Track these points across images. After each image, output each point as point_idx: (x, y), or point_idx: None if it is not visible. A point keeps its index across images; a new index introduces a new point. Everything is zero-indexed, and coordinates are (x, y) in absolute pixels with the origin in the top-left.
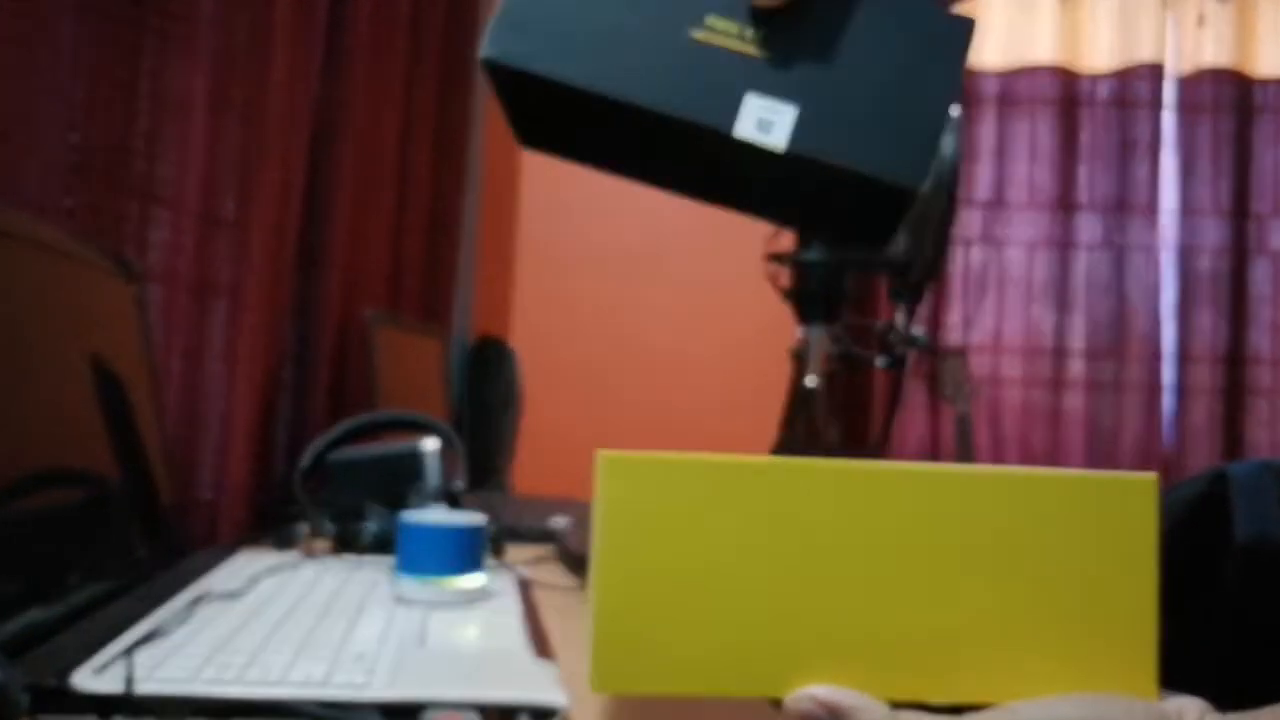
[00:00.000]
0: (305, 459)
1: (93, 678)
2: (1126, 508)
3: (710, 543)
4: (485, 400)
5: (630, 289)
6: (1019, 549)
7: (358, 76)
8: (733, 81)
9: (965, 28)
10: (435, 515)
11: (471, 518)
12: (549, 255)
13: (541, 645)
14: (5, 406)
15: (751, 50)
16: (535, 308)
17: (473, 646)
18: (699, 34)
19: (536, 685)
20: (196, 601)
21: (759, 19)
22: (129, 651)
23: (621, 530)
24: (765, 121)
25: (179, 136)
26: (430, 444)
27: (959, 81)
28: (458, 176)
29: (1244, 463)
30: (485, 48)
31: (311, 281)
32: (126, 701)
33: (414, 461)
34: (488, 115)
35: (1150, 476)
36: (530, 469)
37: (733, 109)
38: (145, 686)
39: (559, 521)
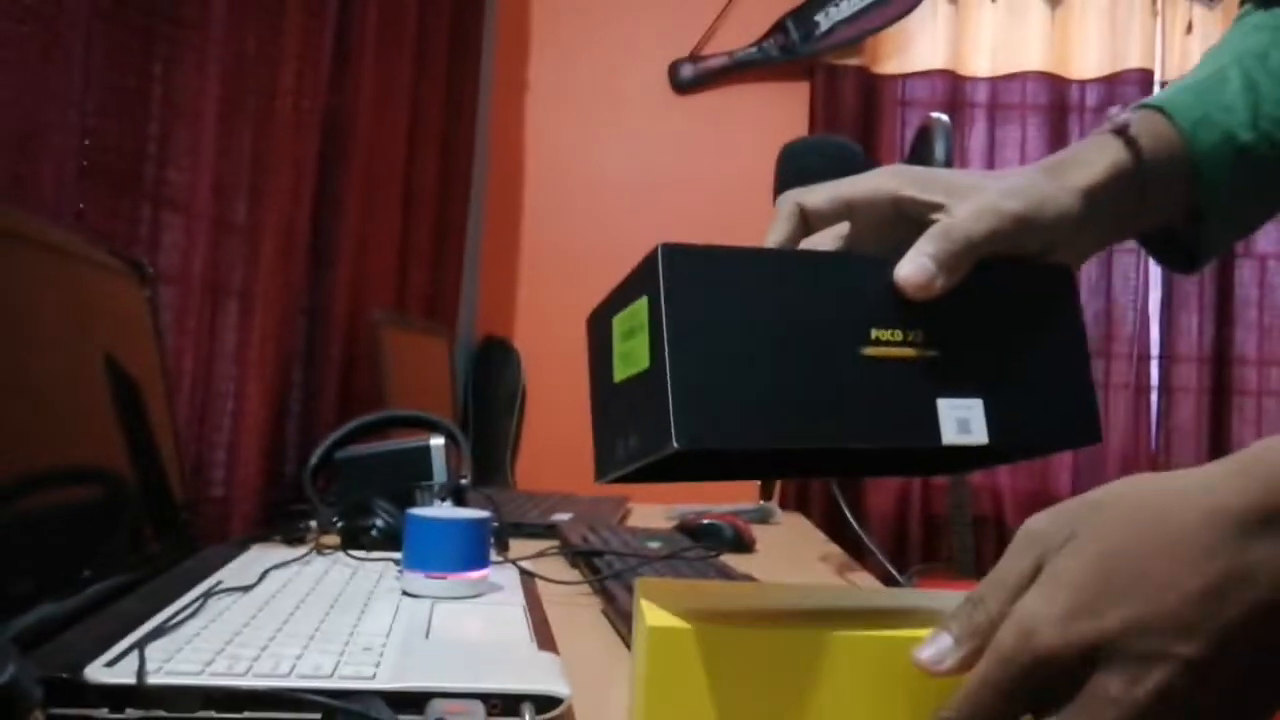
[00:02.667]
0: (314, 456)
1: (105, 670)
2: None
3: (748, 699)
4: (490, 399)
5: None
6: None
7: (366, 82)
8: (921, 390)
9: (1063, 276)
10: (441, 511)
11: (476, 513)
12: (553, 257)
13: (544, 637)
14: (19, 405)
15: (920, 352)
16: (539, 309)
17: (477, 638)
18: (870, 350)
19: (539, 676)
20: (207, 596)
21: (916, 317)
22: (141, 644)
23: (667, 691)
24: (963, 421)
25: (191, 141)
26: (436, 441)
27: (1083, 331)
28: (463, 179)
29: None
30: (677, 438)
31: (321, 283)
32: (138, 693)
33: (420, 458)
34: (492, 118)
35: None
36: (534, 466)
37: (932, 421)
38: (157, 678)
39: (561, 516)
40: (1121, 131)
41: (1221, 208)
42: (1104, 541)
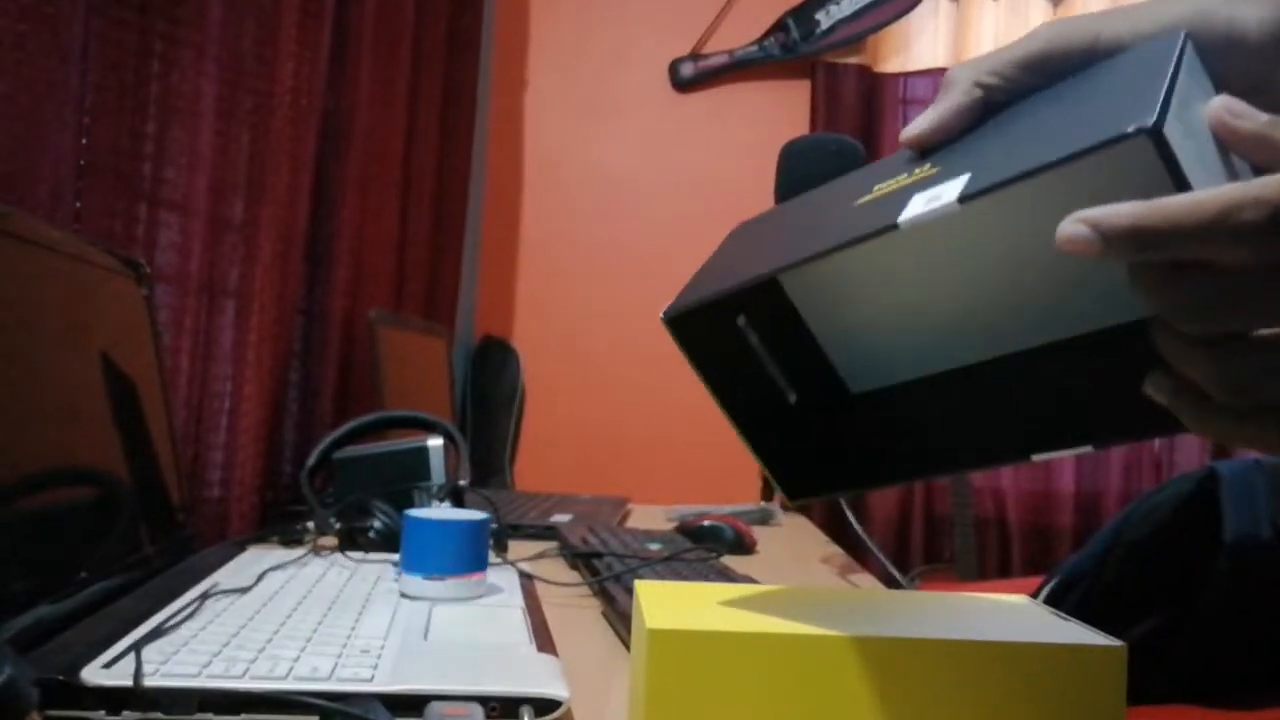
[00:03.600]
0: (312, 457)
1: (102, 672)
2: (1095, 676)
3: (750, 705)
4: (488, 399)
5: (632, 289)
6: (1009, 711)
7: (363, 81)
8: (902, 201)
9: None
10: (439, 512)
11: (475, 514)
12: (551, 256)
13: (543, 639)
14: (15, 405)
15: (917, 178)
16: (538, 308)
17: (476, 641)
18: (865, 199)
19: (539, 678)
20: (204, 597)
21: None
22: (137, 646)
23: (670, 697)
24: (933, 196)
25: (188, 140)
26: (435, 442)
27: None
28: (461, 178)
29: (1234, 461)
30: (668, 311)
31: (318, 282)
32: (135, 695)
33: (419, 459)
34: (491, 116)
35: (1118, 646)
36: (532, 466)
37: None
38: (153, 680)
39: (560, 518)
40: None
41: None
42: None
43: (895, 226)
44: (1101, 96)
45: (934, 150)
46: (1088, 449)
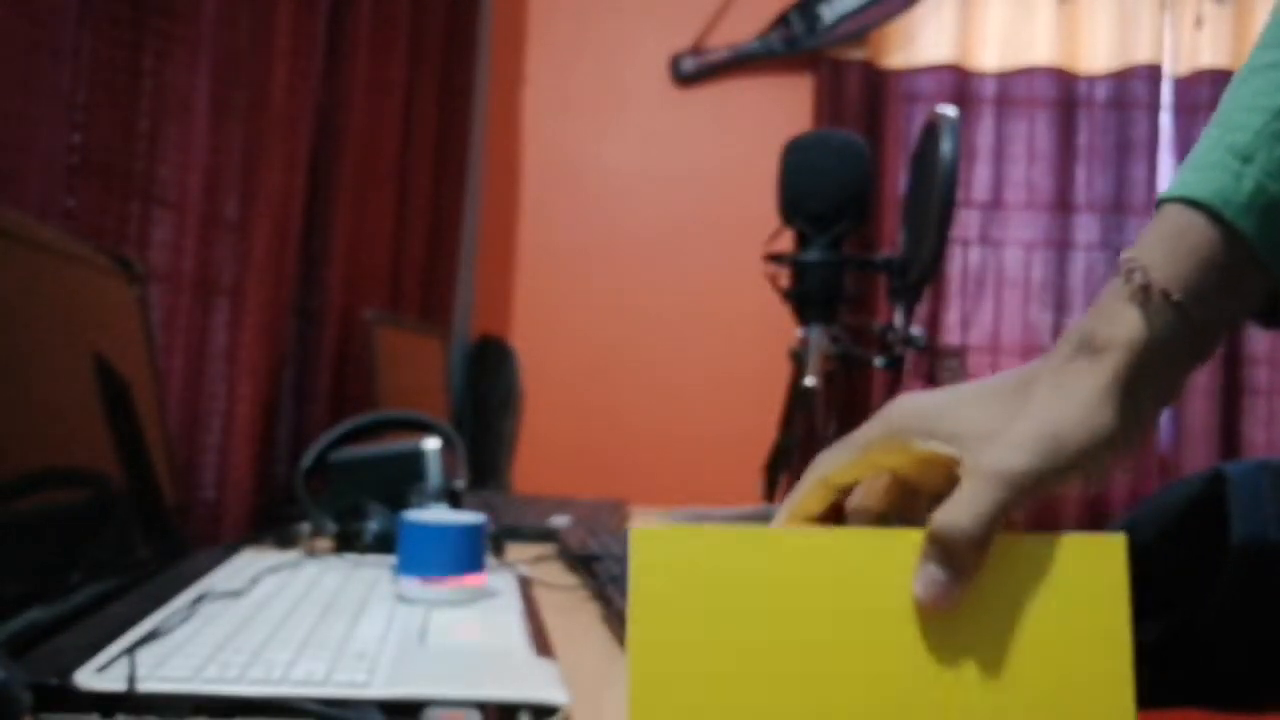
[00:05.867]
0: (307, 458)
1: (95, 676)
2: (1097, 568)
3: (735, 605)
4: (486, 400)
5: (630, 289)
6: (1000, 606)
7: (358, 78)
8: None
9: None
10: (436, 514)
11: (472, 517)
12: (550, 255)
13: (542, 644)
14: (7, 406)
15: None
16: (536, 308)
17: (473, 645)
18: None
19: (537, 683)
20: (198, 600)
21: None
22: (131, 650)
23: (654, 599)
24: None
25: (181, 138)
26: (431, 443)
27: None
28: (458, 176)
29: (1241, 462)
30: None
31: (313, 282)
32: (128, 700)
33: (415, 461)
34: (489, 112)
35: (1118, 537)
36: (530, 468)
37: None
38: (147, 685)
39: (559, 520)
40: (1144, 289)
41: None
42: None
43: None
44: None
45: None
46: None
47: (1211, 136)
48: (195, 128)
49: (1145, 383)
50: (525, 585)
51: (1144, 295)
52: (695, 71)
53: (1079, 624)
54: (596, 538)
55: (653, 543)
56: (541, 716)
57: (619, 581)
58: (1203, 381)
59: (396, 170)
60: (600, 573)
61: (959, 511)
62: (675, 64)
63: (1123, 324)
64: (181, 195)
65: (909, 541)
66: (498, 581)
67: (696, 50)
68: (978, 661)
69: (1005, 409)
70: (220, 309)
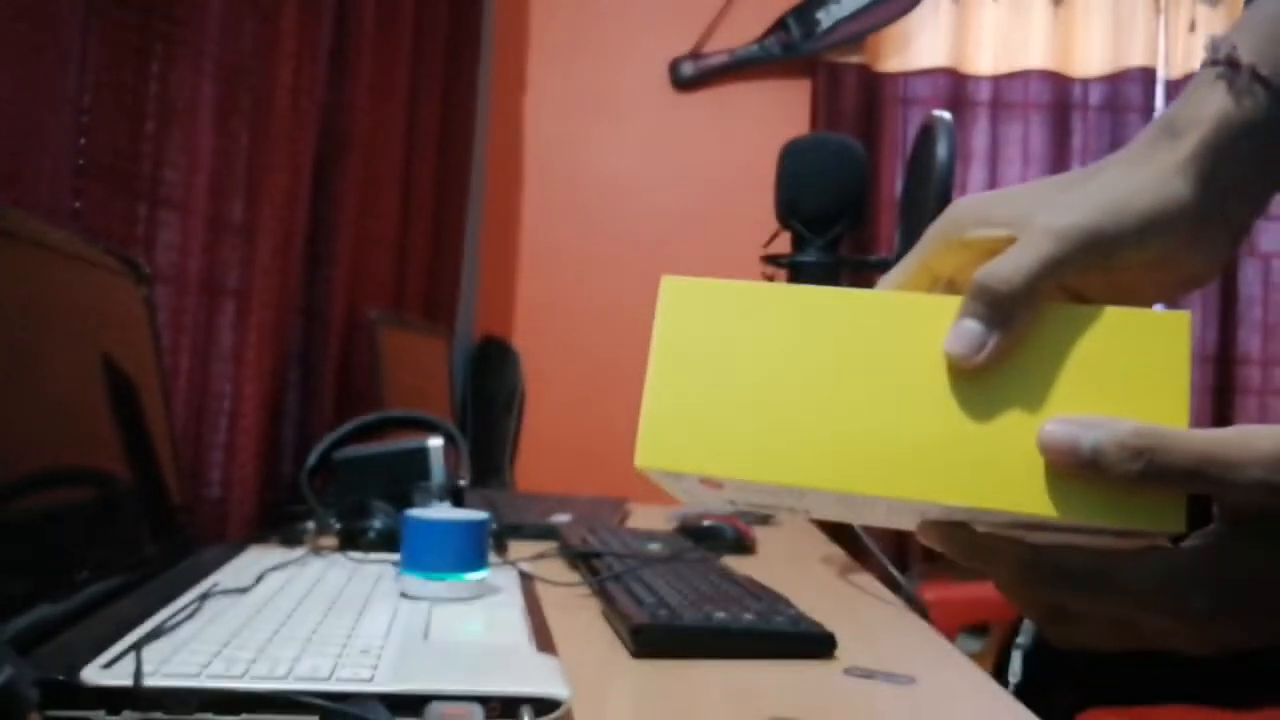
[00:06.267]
0: (312, 457)
1: (101, 672)
2: (1156, 343)
3: (758, 356)
4: (489, 399)
5: (632, 289)
6: (1051, 377)
7: (363, 81)
8: None
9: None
10: (439, 512)
11: (475, 514)
12: (551, 256)
13: (543, 639)
14: (15, 405)
15: None
16: (538, 308)
17: (476, 641)
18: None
19: (539, 678)
20: (204, 597)
21: None
22: (137, 646)
23: (676, 344)
24: None
25: (187, 140)
26: (435, 442)
27: None
28: (461, 178)
29: None
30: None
31: (318, 283)
32: (135, 695)
33: (419, 459)
34: (491, 116)
35: (1182, 314)
36: (533, 466)
37: None
38: (153, 681)
39: (560, 518)
40: (1229, 63)
41: None
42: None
43: None
44: None
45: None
46: None
47: None
48: (201, 130)
49: (1229, 163)
50: (527, 582)
51: (1231, 73)
52: (694, 76)
53: (1133, 401)
54: (597, 535)
55: (682, 291)
56: (543, 711)
57: (619, 579)
58: (1196, 380)
59: (400, 173)
60: (601, 569)
61: (1003, 262)
62: (674, 68)
63: (1207, 103)
64: (187, 197)
65: (950, 307)
66: (500, 578)
67: (695, 55)
68: (1014, 425)
69: (1071, 188)
70: (226, 310)
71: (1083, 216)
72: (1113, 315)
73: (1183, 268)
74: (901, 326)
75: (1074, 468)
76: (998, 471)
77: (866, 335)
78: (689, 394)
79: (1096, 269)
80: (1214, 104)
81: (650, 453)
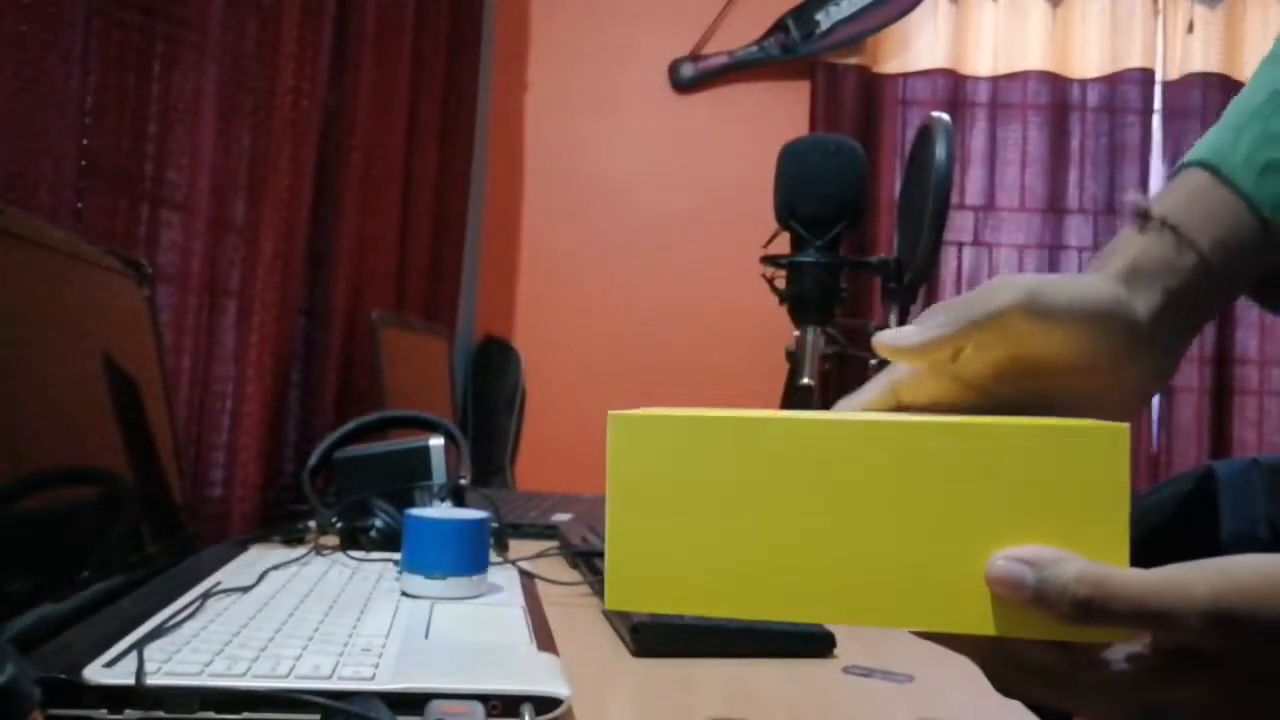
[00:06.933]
0: (313, 456)
1: (104, 671)
2: (1096, 458)
3: (711, 487)
4: (490, 399)
5: (632, 290)
6: (992, 495)
7: (364, 82)
8: None
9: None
10: (440, 511)
11: (476, 514)
12: (552, 257)
13: (544, 638)
14: (18, 405)
15: None
16: (539, 308)
17: (477, 639)
18: None
19: (539, 677)
20: (206, 596)
21: None
22: (140, 645)
23: (630, 481)
24: None
25: (189, 140)
26: (436, 441)
27: None
28: (462, 179)
29: (1232, 461)
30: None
31: (319, 283)
32: (137, 694)
33: (420, 459)
34: (491, 117)
35: (1121, 426)
36: (533, 466)
37: None
38: (155, 679)
39: (561, 517)
40: (1145, 216)
41: None
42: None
43: None
44: None
45: None
46: None
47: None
48: (203, 131)
49: (1147, 291)
50: (527, 581)
51: (1143, 221)
52: (694, 77)
53: (1073, 526)
54: (597, 534)
55: (630, 426)
56: (544, 709)
57: None
58: (1194, 381)
59: (401, 173)
60: (601, 568)
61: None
62: (674, 70)
63: (1127, 240)
64: (190, 198)
65: (900, 430)
66: (500, 577)
67: (695, 56)
68: (960, 547)
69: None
70: (228, 310)
71: (1029, 277)
72: (1052, 429)
73: (1122, 373)
74: (849, 453)
75: (1019, 602)
76: (948, 598)
77: (815, 462)
78: (647, 534)
79: (1034, 337)
80: (1132, 243)
81: (618, 598)
